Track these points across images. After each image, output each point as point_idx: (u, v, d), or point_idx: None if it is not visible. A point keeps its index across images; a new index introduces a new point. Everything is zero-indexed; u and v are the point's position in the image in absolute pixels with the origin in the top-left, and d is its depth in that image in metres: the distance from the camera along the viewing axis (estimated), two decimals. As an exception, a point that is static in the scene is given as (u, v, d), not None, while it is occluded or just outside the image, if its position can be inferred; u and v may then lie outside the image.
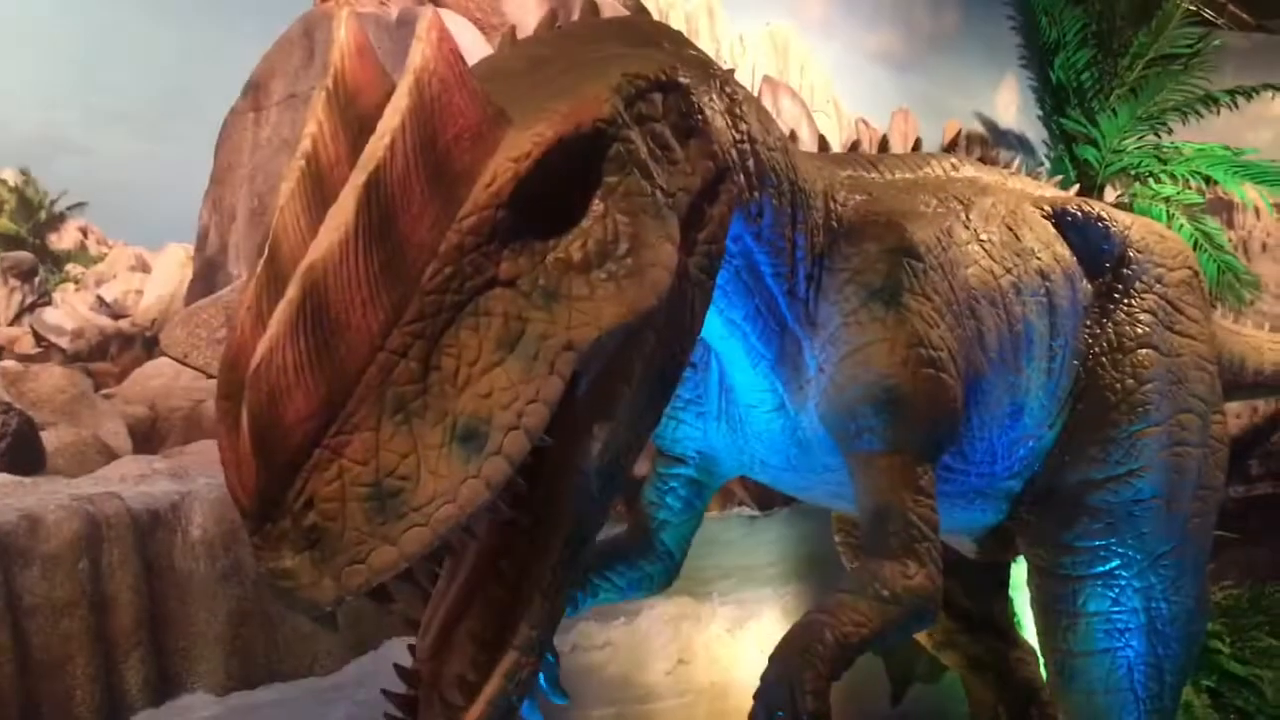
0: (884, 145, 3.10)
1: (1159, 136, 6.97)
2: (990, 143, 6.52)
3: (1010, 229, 2.90)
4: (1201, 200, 6.99)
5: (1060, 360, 2.97)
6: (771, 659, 2.24)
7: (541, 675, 2.62)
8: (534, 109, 1.52)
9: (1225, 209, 8.00)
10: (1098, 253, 3.18)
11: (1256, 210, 8.04)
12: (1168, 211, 6.79)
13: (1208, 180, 6.90)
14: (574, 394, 1.55)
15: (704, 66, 2.01)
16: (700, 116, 1.82)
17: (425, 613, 1.66)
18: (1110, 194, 6.94)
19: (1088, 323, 3.09)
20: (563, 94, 1.58)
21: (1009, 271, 2.80)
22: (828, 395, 2.44)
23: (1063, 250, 3.06)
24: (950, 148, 3.27)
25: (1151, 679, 3.15)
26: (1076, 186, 3.66)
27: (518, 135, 1.46)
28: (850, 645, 2.20)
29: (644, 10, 2.26)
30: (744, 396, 2.61)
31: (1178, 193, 6.89)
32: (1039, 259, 2.92)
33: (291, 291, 1.30)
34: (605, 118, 1.59)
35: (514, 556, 1.59)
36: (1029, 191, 3.23)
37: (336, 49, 1.43)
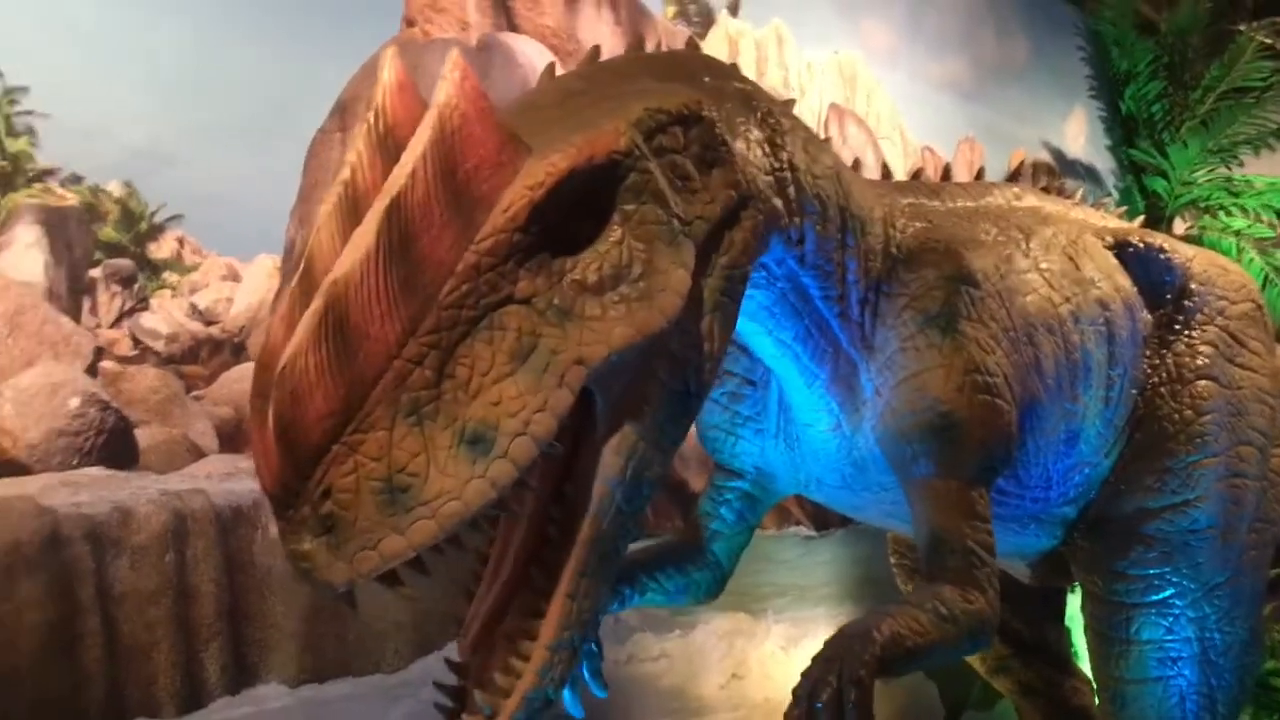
0: (947, 174, 3.17)
1: (1229, 169, 6.96)
2: (1057, 172, 6.56)
3: (1070, 258, 2.94)
4: (1273, 234, 6.94)
5: (1118, 389, 3.00)
6: (827, 642, 2.30)
7: (585, 666, 2.70)
8: (554, 141, 1.61)
9: (1299, 244, 7.99)
10: (1159, 284, 3.21)
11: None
12: (1238, 245, 6.77)
13: (1279, 214, 6.89)
14: (594, 411, 1.65)
15: (746, 99, 2.09)
16: (724, 148, 1.89)
17: (469, 612, 1.76)
18: (1179, 226, 6.91)
19: (1147, 353, 3.12)
20: (583, 127, 1.66)
21: (1068, 300, 2.83)
22: (884, 420, 2.49)
23: (1123, 281, 3.09)
24: (1013, 177, 3.33)
25: (1204, 709, 3.14)
26: (1142, 218, 3.70)
27: (535, 165, 1.55)
28: (904, 647, 2.22)
29: (696, 45, 2.35)
30: (801, 415, 2.68)
31: (1248, 226, 6.87)
32: (1099, 288, 2.95)
33: (316, 303, 1.42)
34: (621, 150, 1.66)
35: (543, 564, 1.67)
36: (1091, 222, 3.27)
37: (380, 86, 1.54)
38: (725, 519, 2.91)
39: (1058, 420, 2.79)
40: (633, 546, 2.87)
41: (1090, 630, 3.30)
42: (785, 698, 4.66)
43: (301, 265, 1.53)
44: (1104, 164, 6.99)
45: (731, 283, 1.89)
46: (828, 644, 2.22)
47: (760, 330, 2.38)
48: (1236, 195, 6.90)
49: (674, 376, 1.74)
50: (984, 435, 2.46)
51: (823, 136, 2.48)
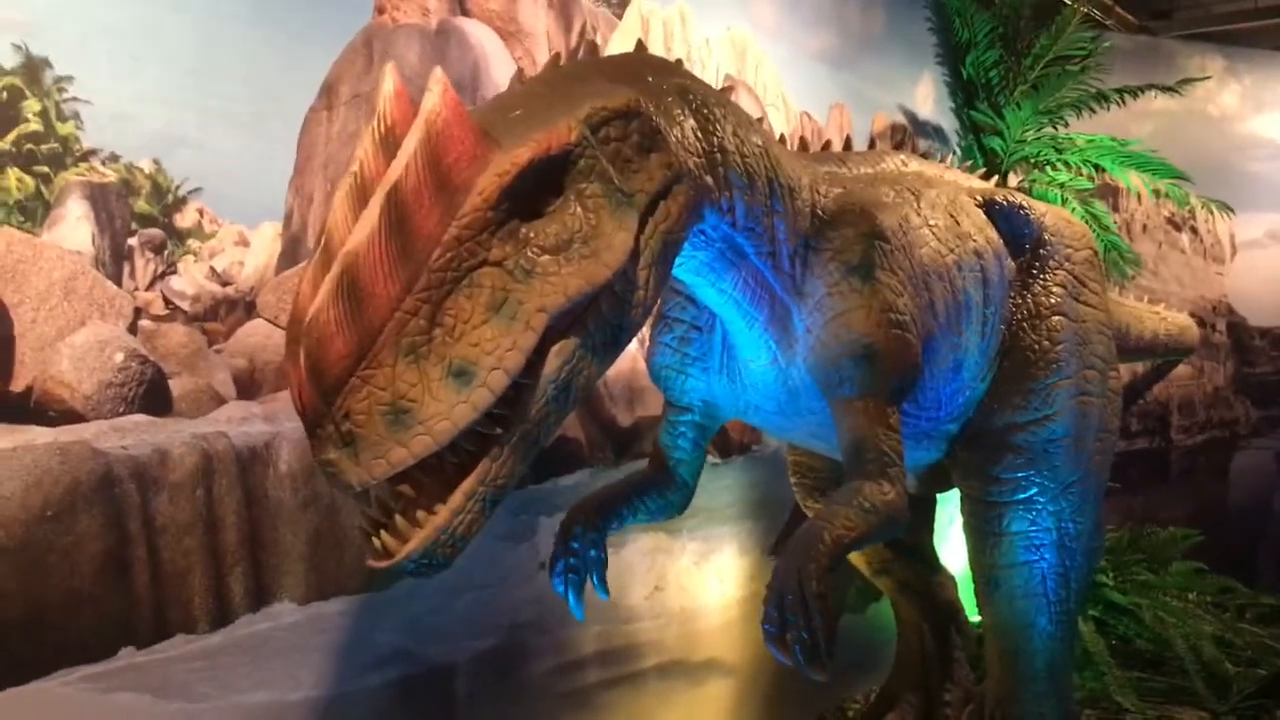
0: (849, 144, 3.65)
1: (1056, 129, 7.46)
2: (911, 132, 7.12)
3: (951, 215, 3.38)
4: (1091, 186, 7.51)
5: (991, 324, 3.46)
6: (781, 555, 2.67)
7: (594, 574, 3.18)
8: (518, 136, 2.00)
9: (1112, 194, 8.62)
10: (1020, 236, 3.73)
11: (1139, 195, 8.65)
12: (1062, 196, 7.24)
13: (1097, 168, 7.39)
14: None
15: (683, 92, 2.46)
16: (660, 136, 2.25)
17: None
18: (1013, 180, 7.47)
19: (1012, 294, 3.58)
20: (540, 125, 2.04)
21: (952, 251, 3.27)
22: (814, 351, 2.90)
23: (992, 234, 3.58)
24: (898, 146, 3.86)
25: (1061, 586, 3.67)
26: (983, 170, 4.23)
27: (503, 157, 1.93)
28: (843, 543, 2.65)
29: (643, 46, 2.76)
30: (743, 353, 3.08)
31: (1071, 179, 7.38)
32: (974, 241, 3.40)
33: (334, 270, 1.81)
34: (572, 142, 2.03)
35: (476, 436, 1.95)
36: (962, 184, 3.80)
37: (382, 94, 1.96)
38: (683, 448, 3.34)
39: (947, 352, 3.24)
40: (613, 480, 3.32)
41: (968, 527, 3.84)
42: (698, 606, 5.27)
43: (321, 240, 1.94)
44: (949, 124, 7.46)
45: (666, 245, 2.27)
46: (785, 554, 2.64)
47: (704, 283, 2.79)
48: (1061, 152, 7.38)
49: (612, 311, 2.09)
50: (897, 362, 2.90)
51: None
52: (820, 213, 2.97)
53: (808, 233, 2.92)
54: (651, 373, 3.30)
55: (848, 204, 3.04)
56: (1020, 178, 7.56)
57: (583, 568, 3.10)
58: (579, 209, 2.02)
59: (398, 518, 1.93)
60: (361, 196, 1.90)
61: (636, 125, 2.21)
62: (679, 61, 2.70)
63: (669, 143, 2.29)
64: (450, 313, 1.85)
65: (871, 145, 3.61)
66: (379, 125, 1.94)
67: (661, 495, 3.35)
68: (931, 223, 3.29)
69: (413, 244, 1.81)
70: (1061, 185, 7.43)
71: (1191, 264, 9.39)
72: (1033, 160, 7.51)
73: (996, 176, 4.36)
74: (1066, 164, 7.49)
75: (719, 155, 2.49)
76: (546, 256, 1.94)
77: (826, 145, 3.56)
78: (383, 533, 1.95)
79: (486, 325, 1.86)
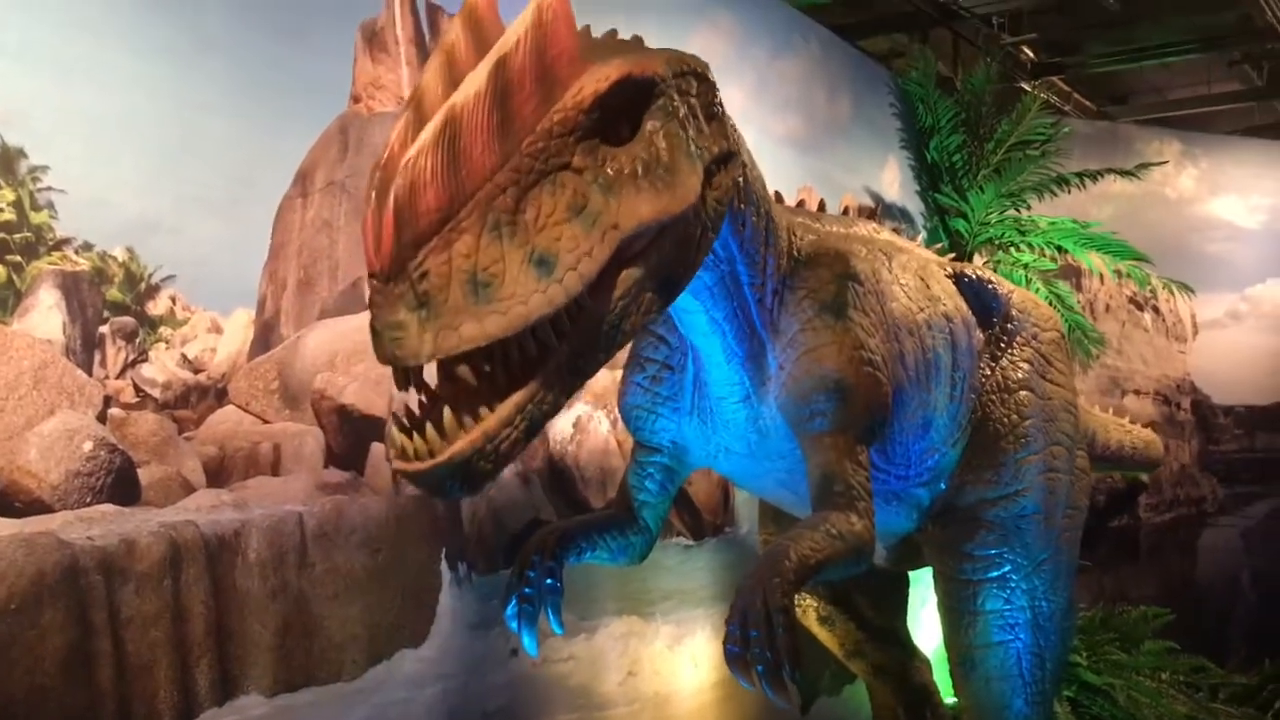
0: (822, 206, 3.66)
1: (1019, 211, 7.63)
2: (879, 214, 7.23)
3: (922, 279, 3.40)
4: (1054, 266, 7.66)
5: (960, 389, 3.45)
6: (746, 574, 2.58)
7: (549, 605, 3.07)
8: (611, 58, 2.02)
9: (1074, 274, 8.71)
10: (988, 309, 3.78)
11: (1101, 276, 8.77)
12: (1026, 276, 7.39)
13: (1059, 249, 7.55)
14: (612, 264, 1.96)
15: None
16: (719, 107, 2.32)
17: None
18: (978, 260, 7.64)
19: (980, 365, 3.60)
20: (629, 53, 2.10)
21: (922, 310, 3.27)
22: (786, 387, 2.87)
23: (961, 303, 3.58)
24: (872, 215, 3.90)
25: (1036, 666, 3.63)
26: (952, 254, 4.30)
27: (599, 68, 1.93)
28: (807, 564, 2.54)
29: None
30: (716, 390, 3.04)
31: (1034, 260, 7.51)
32: (944, 305, 3.42)
33: (438, 119, 1.74)
34: (660, 74, 2.07)
35: (529, 356, 1.88)
36: (932, 257, 3.87)
37: (460, 16, 1.94)
38: (650, 490, 3.28)
39: (916, 407, 3.22)
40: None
41: (943, 606, 3.83)
42: (673, 690, 5.22)
43: (412, 105, 1.89)
44: (914, 206, 7.61)
45: (717, 213, 2.29)
46: (748, 575, 2.55)
47: (700, 309, 2.76)
48: (1024, 234, 7.56)
49: (674, 253, 2.12)
50: (868, 399, 2.88)
51: None
52: (796, 254, 2.99)
53: (785, 272, 2.95)
54: (622, 412, 3.25)
55: (822, 248, 3.06)
56: (985, 259, 7.68)
57: (538, 598, 3.01)
58: (659, 139, 2.04)
59: (446, 413, 1.81)
60: (452, 72, 1.89)
61: (702, 89, 2.26)
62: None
63: (725, 115, 2.35)
64: (534, 203, 1.82)
65: (845, 213, 3.64)
66: (468, 13, 1.95)
67: (623, 535, 3.26)
68: (903, 281, 3.33)
69: (511, 121, 1.80)
70: (1025, 266, 7.57)
71: (1155, 343, 9.53)
72: (997, 241, 7.66)
73: (953, 255, 4.43)
74: (1030, 245, 7.64)
75: (743, 169, 2.53)
76: (625, 179, 1.95)
77: (800, 204, 3.59)
78: (419, 433, 1.82)
79: (568, 224, 1.84)
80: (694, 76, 2.24)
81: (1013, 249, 7.66)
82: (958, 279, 3.76)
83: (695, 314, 2.82)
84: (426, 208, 1.71)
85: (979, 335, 3.68)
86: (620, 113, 1.99)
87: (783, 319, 2.93)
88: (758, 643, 2.33)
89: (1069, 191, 7.79)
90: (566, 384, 1.95)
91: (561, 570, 3.01)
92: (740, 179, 2.49)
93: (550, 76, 1.86)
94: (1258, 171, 9.92)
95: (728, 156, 2.33)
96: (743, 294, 2.80)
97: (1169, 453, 9.29)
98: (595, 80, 1.92)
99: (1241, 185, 9.87)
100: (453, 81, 1.86)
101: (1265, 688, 7.36)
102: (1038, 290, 7.20)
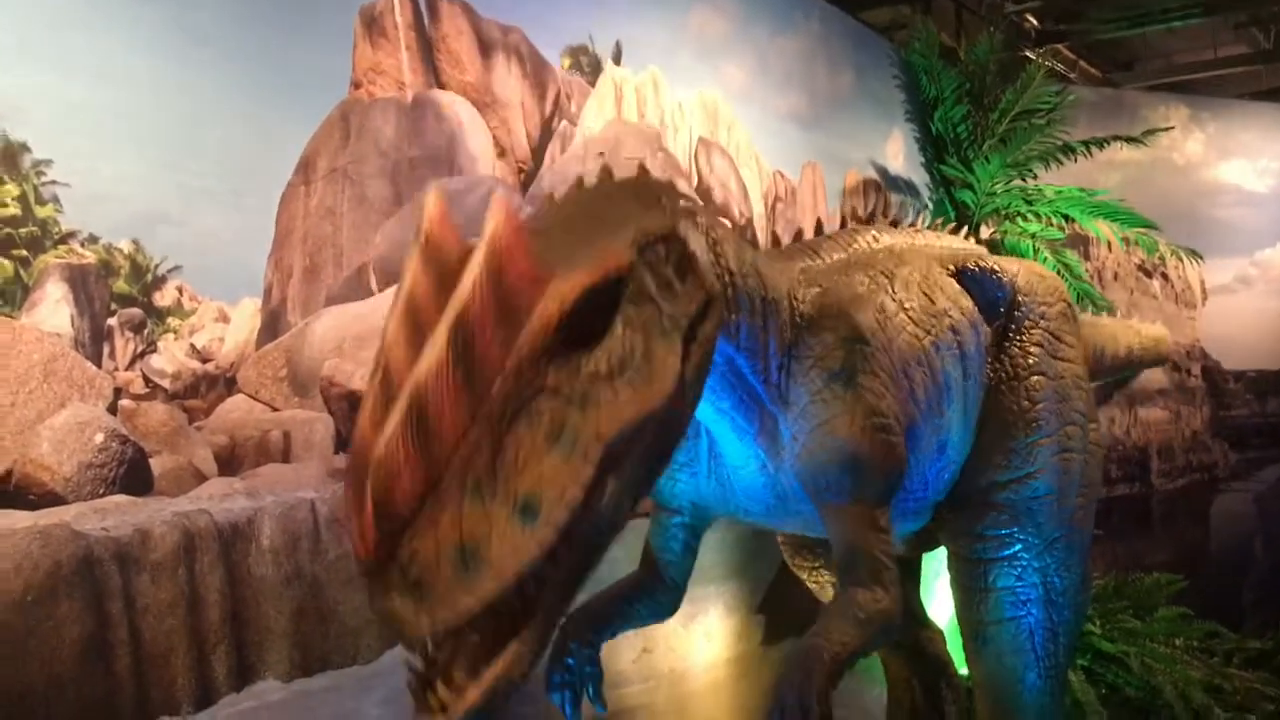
0: (819, 229, 3.66)
1: (1025, 181, 7.60)
2: (883, 188, 7.23)
3: (925, 295, 3.35)
4: (1062, 236, 7.66)
5: (972, 396, 3.45)
6: (780, 676, 2.59)
7: (590, 687, 3.14)
8: (573, 261, 1.95)
9: (1082, 243, 8.72)
10: (994, 301, 3.73)
11: (1109, 244, 8.77)
12: (1034, 246, 7.41)
13: (1067, 218, 7.53)
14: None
15: (691, 215, 2.42)
16: (694, 259, 2.26)
17: None
18: (984, 231, 7.62)
19: (989, 359, 3.57)
20: (590, 247, 2.01)
21: (929, 333, 3.25)
22: (800, 459, 2.88)
23: (966, 303, 3.52)
24: (870, 219, 3.85)
25: (1049, 640, 3.62)
26: (953, 224, 4.27)
27: (560, 283, 1.86)
28: (840, 661, 2.58)
29: (645, 170, 2.77)
30: (731, 460, 3.02)
31: (1042, 230, 7.52)
32: (950, 316, 3.38)
33: (401, 402, 1.73)
34: (625, 266, 2.00)
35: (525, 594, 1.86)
36: (933, 251, 3.81)
37: (426, 216, 1.92)
38: (674, 549, 3.29)
39: (930, 436, 3.22)
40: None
41: (955, 584, 3.84)
42: (687, 667, 5.22)
43: (379, 369, 1.85)
44: (919, 178, 7.58)
45: (701, 368, 2.24)
46: (784, 674, 2.58)
47: (705, 404, 2.73)
48: (1031, 203, 7.55)
49: (659, 436, 2.06)
50: (883, 466, 2.89)
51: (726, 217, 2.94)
52: (799, 319, 2.98)
53: (790, 342, 2.94)
54: None
55: (825, 307, 3.02)
56: (992, 229, 7.66)
57: (578, 682, 3.08)
58: (631, 333, 2.00)
59: (456, 673, 1.84)
60: (414, 321, 1.84)
61: (676, 249, 2.22)
62: (674, 184, 2.69)
63: (703, 265, 2.30)
64: (512, 445, 1.79)
65: (843, 223, 3.60)
66: (425, 247, 1.92)
67: (653, 599, 3.30)
68: (907, 306, 3.28)
69: (477, 371, 1.77)
70: (1033, 236, 7.56)
71: (1164, 309, 9.50)
72: (1003, 212, 7.64)
73: (966, 229, 4.42)
74: (1037, 215, 7.63)
75: (727, 277, 2.53)
76: (602, 383, 1.92)
77: (798, 235, 3.57)
78: (438, 688, 1.84)
79: (548, 457, 1.81)
80: (663, 241, 2.19)
81: (1020, 219, 7.64)
82: (960, 274, 3.71)
83: (700, 408, 2.84)
84: (403, 494, 1.71)
85: (986, 330, 3.65)
86: (592, 314, 1.95)
87: (792, 390, 2.92)
88: None
89: (1075, 160, 7.75)
90: (573, 590, 1.98)
91: (598, 654, 3.07)
92: (724, 312, 2.48)
93: (512, 309, 1.83)
94: (1266, 135, 9.87)
95: (707, 307, 2.29)
96: (746, 382, 2.82)
97: (1180, 420, 9.29)
98: (558, 300, 1.87)
99: (1250, 149, 9.83)
100: (417, 333, 1.83)
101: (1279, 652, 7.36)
102: (1045, 260, 7.18)
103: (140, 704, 3.10)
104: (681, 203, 2.52)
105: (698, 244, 2.34)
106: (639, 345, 2.00)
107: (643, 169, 2.66)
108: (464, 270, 1.81)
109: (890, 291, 3.28)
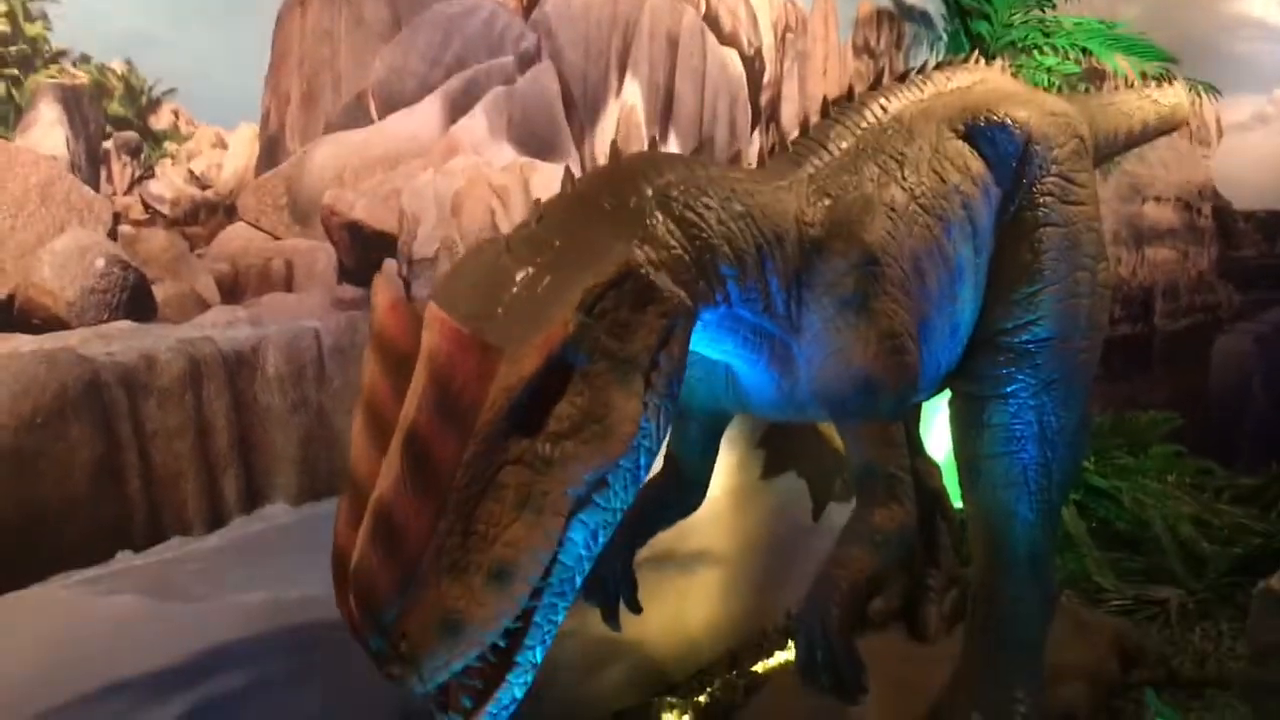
0: (825, 111, 3.50)
1: (1043, 11, 7.15)
2: (898, 18, 6.98)
3: (936, 172, 3.22)
4: (1079, 70, 7.23)
5: (982, 270, 3.48)
6: (802, 610, 2.66)
7: (624, 594, 3.17)
8: (517, 338, 1.94)
9: (1099, 78, 8.57)
10: (1005, 156, 3.62)
11: (1127, 79, 8.57)
12: (1049, 80, 7.33)
13: (1084, 52, 7.16)
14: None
15: (664, 203, 2.39)
16: (653, 289, 2.21)
17: None
18: (999, 64, 7.47)
19: (1000, 217, 3.62)
20: (536, 321, 1.98)
21: (941, 219, 3.14)
22: (817, 383, 2.83)
23: (977, 167, 3.41)
24: (878, 81, 3.67)
25: (1042, 476, 3.58)
26: (975, 54, 4.09)
27: (508, 369, 1.89)
28: (860, 586, 2.68)
29: (617, 150, 2.59)
30: (746, 381, 3.10)
31: (1058, 64, 7.11)
32: (961, 191, 3.24)
33: (367, 520, 1.82)
34: (571, 336, 1.98)
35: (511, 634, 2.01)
36: (943, 103, 3.66)
37: (376, 307, 1.94)
38: (695, 452, 3.29)
39: (944, 324, 3.15)
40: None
41: (953, 420, 3.84)
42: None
43: (350, 475, 1.93)
44: (935, 8, 7.33)
45: (671, 388, 2.26)
46: (805, 604, 2.65)
47: (703, 345, 2.70)
48: (1049, 35, 7.28)
49: (629, 464, 2.09)
50: (898, 385, 2.85)
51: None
52: (808, 244, 2.91)
53: (799, 268, 2.88)
54: None
55: (835, 225, 2.94)
56: (1007, 63, 7.44)
57: (613, 589, 3.13)
58: (587, 389, 2.03)
59: (463, 702, 2.01)
60: (376, 425, 1.92)
61: (631, 286, 2.18)
62: (653, 143, 2.63)
63: (662, 291, 2.26)
64: (481, 521, 1.89)
65: (849, 96, 3.41)
66: (380, 342, 1.96)
67: (680, 499, 3.31)
68: (918, 193, 3.14)
69: (435, 475, 1.86)
70: (1049, 70, 7.32)
71: (1178, 147, 9.32)
72: (1020, 45, 7.38)
73: (979, 55, 4.25)
74: (1054, 48, 7.30)
75: (709, 255, 2.48)
76: (564, 441, 1.98)
77: (805, 125, 3.43)
78: (448, 714, 2.02)
79: (517, 524, 1.92)
80: (615, 287, 2.15)
81: (1036, 52, 7.37)
82: (970, 131, 3.58)
83: (705, 349, 2.79)
84: (384, 594, 1.85)
85: (997, 191, 3.54)
86: (546, 382, 1.96)
87: (804, 317, 2.85)
88: (825, 667, 2.58)
89: (1095, -10, 7.48)
90: (559, 613, 2.06)
91: (632, 562, 3.10)
92: (700, 301, 2.45)
93: (460, 409, 1.87)
94: (1294, -34, 9.54)
95: (673, 325, 2.27)
96: (748, 322, 2.78)
97: (1187, 260, 9.23)
98: (505, 389, 1.89)
99: (1277, -19, 9.51)
100: (381, 437, 1.88)
101: (1270, 488, 7.46)
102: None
103: (153, 525, 3.17)
104: (658, 183, 2.48)
105: (656, 255, 2.34)
106: (596, 401, 2.05)
107: (615, 151, 2.52)
108: (409, 389, 1.89)
109: (900, 178, 3.18)
